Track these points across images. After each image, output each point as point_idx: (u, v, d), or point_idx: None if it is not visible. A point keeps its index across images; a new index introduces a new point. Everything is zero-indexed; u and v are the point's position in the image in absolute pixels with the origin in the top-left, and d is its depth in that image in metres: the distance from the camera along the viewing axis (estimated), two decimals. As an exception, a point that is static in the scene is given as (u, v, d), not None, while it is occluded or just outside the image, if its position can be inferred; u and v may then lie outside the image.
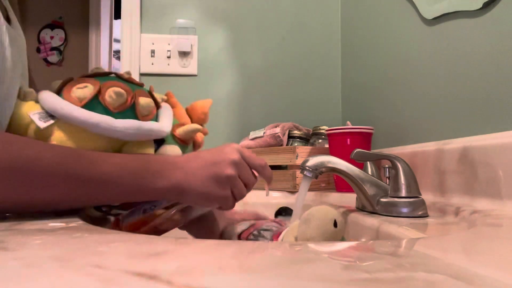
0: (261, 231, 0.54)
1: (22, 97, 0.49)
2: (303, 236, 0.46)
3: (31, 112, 0.47)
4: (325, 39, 1.38)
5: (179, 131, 0.55)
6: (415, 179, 0.56)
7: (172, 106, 0.58)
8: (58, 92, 0.50)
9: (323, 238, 0.46)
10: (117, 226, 0.50)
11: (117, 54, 3.90)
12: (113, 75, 0.53)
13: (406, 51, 0.91)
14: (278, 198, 0.93)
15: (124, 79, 0.53)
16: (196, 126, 0.56)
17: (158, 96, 0.56)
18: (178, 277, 0.18)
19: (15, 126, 0.46)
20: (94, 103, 0.48)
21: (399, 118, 0.93)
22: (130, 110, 0.50)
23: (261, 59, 1.35)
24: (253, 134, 1.14)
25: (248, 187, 0.50)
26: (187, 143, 0.57)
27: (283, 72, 1.35)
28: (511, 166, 0.51)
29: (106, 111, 0.48)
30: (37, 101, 0.49)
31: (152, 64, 1.29)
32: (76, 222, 0.35)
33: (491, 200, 0.54)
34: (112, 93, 0.48)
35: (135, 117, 0.50)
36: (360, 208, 0.63)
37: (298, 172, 0.93)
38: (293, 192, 0.94)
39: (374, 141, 0.95)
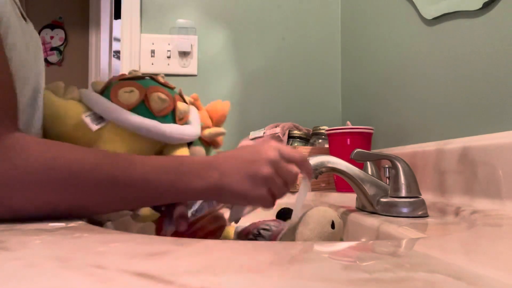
0: (261, 230, 0.54)
1: (61, 93, 0.50)
2: (301, 237, 0.46)
3: (84, 114, 0.48)
4: (325, 39, 1.38)
5: (206, 134, 0.58)
6: (415, 179, 0.56)
7: (197, 109, 0.61)
8: (101, 93, 0.51)
9: (321, 240, 0.46)
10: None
11: (117, 54, 3.90)
12: (148, 77, 0.55)
13: (406, 51, 0.91)
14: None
15: (161, 83, 0.55)
16: (221, 130, 0.60)
17: (186, 99, 0.59)
18: (178, 277, 0.18)
19: (60, 125, 0.47)
20: (139, 107, 0.50)
21: (399, 118, 0.93)
22: (170, 114, 0.53)
23: (261, 59, 1.35)
24: (253, 134, 1.14)
25: (288, 185, 0.48)
26: (211, 144, 0.60)
27: (283, 72, 1.35)
28: (511, 166, 0.51)
29: (150, 114, 0.51)
30: (79, 100, 0.50)
31: (152, 64, 1.29)
32: (76, 222, 0.35)
33: (491, 200, 0.54)
34: (157, 99, 0.51)
35: (174, 120, 0.53)
36: (360, 208, 0.63)
37: (298, 172, 0.93)
38: (293, 192, 0.94)
39: (374, 141, 0.95)
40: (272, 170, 0.45)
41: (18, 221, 0.35)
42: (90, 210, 0.38)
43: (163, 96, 0.51)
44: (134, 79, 0.54)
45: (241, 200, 0.46)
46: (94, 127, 0.48)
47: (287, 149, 0.47)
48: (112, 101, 0.50)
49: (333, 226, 0.47)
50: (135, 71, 0.56)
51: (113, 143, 0.49)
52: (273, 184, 0.45)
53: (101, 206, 0.39)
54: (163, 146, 0.53)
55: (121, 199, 0.40)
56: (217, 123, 0.64)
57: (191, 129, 0.54)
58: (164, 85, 0.55)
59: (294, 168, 0.47)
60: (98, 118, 0.49)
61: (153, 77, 0.56)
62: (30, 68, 0.45)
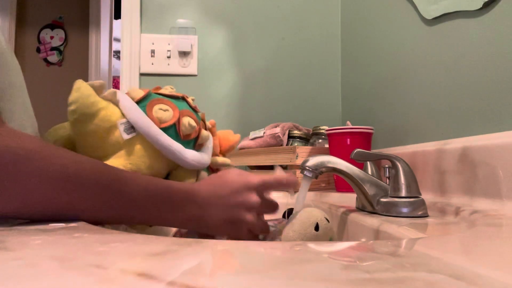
0: None
1: (101, 93, 0.51)
2: (285, 237, 0.47)
3: (119, 121, 0.50)
4: (325, 39, 1.38)
5: (214, 162, 0.61)
6: (415, 179, 0.56)
7: (212, 135, 0.64)
8: (138, 102, 0.53)
9: (304, 241, 0.46)
10: None
11: (117, 54, 3.91)
12: (181, 98, 0.58)
13: (406, 51, 0.91)
14: (279, 198, 0.93)
15: (191, 107, 0.58)
16: (228, 161, 0.63)
17: (206, 124, 0.63)
18: (178, 277, 0.18)
19: (93, 124, 0.48)
20: (170, 128, 0.53)
21: (399, 118, 0.93)
22: (193, 140, 0.55)
23: (261, 59, 1.35)
24: (253, 134, 1.14)
25: (271, 214, 0.51)
26: (215, 172, 0.63)
27: (283, 72, 1.35)
28: (511, 166, 0.51)
29: (177, 136, 0.53)
30: (115, 103, 0.52)
31: (152, 64, 1.29)
32: (76, 222, 0.35)
33: (491, 200, 0.54)
34: (187, 124, 0.53)
35: (194, 145, 0.56)
36: (360, 208, 0.63)
37: (298, 172, 0.93)
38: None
39: (374, 141, 0.95)
40: (254, 215, 0.47)
41: (18, 221, 0.35)
42: (79, 215, 0.37)
43: (193, 123, 0.53)
44: (170, 97, 0.56)
45: (221, 236, 0.49)
46: (126, 136, 0.49)
47: (267, 182, 0.49)
48: (147, 115, 0.51)
49: (317, 228, 0.46)
50: (172, 88, 0.59)
51: (138, 155, 0.50)
52: (253, 227, 0.47)
53: (91, 213, 0.38)
54: (176, 167, 0.55)
55: (113, 211, 0.40)
56: (225, 152, 0.67)
57: (206, 159, 0.57)
58: (194, 109, 0.58)
59: (273, 207, 0.50)
60: (131, 127, 0.50)
61: (186, 99, 0.58)
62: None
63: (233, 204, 0.46)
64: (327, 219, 0.48)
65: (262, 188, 0.49)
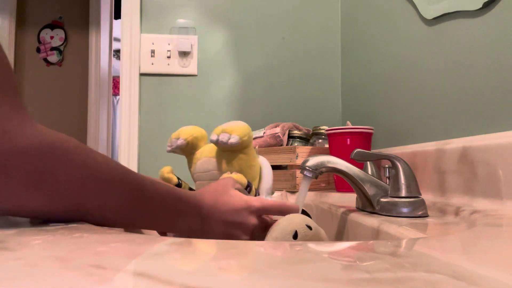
0: None
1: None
2: None
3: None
4: (325, 39, 1.38)
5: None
6: (415, 179, 0.56)
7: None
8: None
9: None
10: None
11: (117, 54, 3.91)
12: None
13: (406, 51, 0.91)
14: (279, 198, 0.93)
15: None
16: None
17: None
18: (178, 277, 0.18)
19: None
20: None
21: (399, 118, 0.93)
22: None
23: (261, 59, 1.35)
24: (253, 134, 1.14)
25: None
26: None
27: (283, 72, 1.35)
28: (511, 166, 0.51)
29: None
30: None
31: (152, 64, 1.29)
32: (76, 222, 0.35)
33: (491, 200, 0.54)
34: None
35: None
36: (360, 208, 0.63)
37: (298, 172, 0.93)
38: (293, 192, 0.94)
39: (374, 141, 0.95)
40: (249, 236, 0.51)
41: (18, 221, 0.35)
42: (100, 216, 0.37)
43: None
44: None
45: None
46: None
47: (266, 206, 0.52)
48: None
49: (296, 236, 0.46)
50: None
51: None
52: None
53: (111, 216, 0.38)
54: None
55: (131, 216, 0.40)
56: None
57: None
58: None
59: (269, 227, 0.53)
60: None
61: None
62: None
63: (232, 222, 0.49)
64: (309, 227, 0.47)
65: (262, 212, 0.51)
